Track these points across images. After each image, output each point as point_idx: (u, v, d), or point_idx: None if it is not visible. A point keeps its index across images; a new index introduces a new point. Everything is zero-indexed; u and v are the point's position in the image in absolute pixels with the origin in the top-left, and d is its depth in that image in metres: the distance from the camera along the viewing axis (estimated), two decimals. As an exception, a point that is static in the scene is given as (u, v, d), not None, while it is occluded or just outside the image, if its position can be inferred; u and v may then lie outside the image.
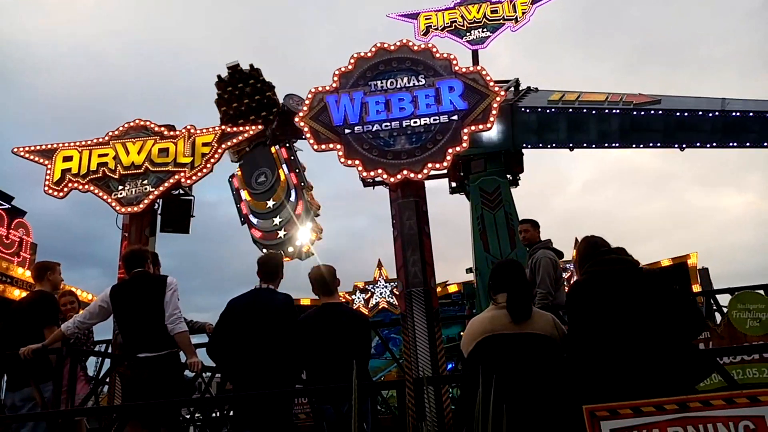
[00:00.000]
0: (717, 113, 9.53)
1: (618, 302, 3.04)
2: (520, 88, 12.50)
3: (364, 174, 5.54)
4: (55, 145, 7.08)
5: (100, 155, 6.96)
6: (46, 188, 6.86)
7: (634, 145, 10.94)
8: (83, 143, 7.07)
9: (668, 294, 3.09)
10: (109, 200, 6.75)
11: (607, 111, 10.52)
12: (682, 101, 10.59)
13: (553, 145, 12.06)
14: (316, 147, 5.66)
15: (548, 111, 11.37)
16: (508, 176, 14.16)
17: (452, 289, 19.21)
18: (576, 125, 11.19)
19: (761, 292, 5.75)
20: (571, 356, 3.15)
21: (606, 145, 11.17)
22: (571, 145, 11.69)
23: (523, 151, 13.69)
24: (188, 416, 6.54)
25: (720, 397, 2.55)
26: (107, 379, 5.90)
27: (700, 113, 9.77)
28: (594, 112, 10.78)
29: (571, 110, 11.06)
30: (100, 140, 7.09)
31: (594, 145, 11.38)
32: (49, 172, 6.91)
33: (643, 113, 10.24)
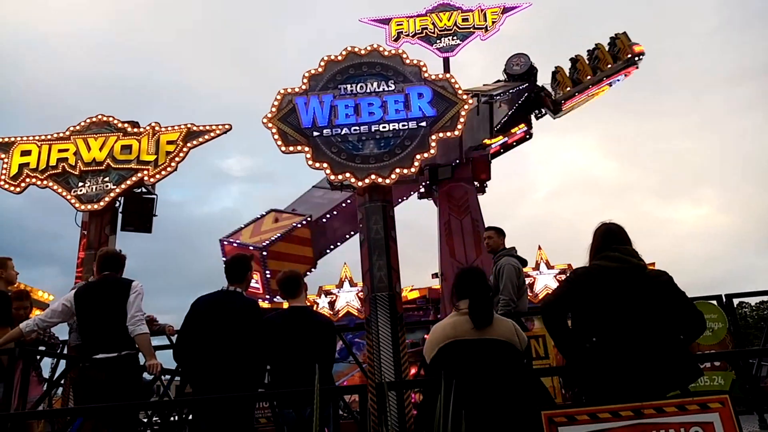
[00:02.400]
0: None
1: (609, 299, 3.10)
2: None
3: (332, 177, 5.53)
4: (12, 139, 6.85)
5: (60, 150, 6.76)
6: (2, 183, 6.62)
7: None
8: (42, 137, 6.86)
9: (671, 296, 3.14)
10: (69, 197, 6.56)
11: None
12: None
13: None
14: (284, 149, 5.61)
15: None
16: (476, 183, 14.36)
17: (417, 293, 19.29)
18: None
19: (713, 302, 5.92)
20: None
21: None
22: None
23: (491, 159, 13.95)
24: (146, 420, 6.40)
25: (672, 404, 2.63)
26: (62, 381, 5.73)
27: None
28: None
29: None
30: (61, 135, 6.89)
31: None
32: (5, 166, 6.68)
33: None
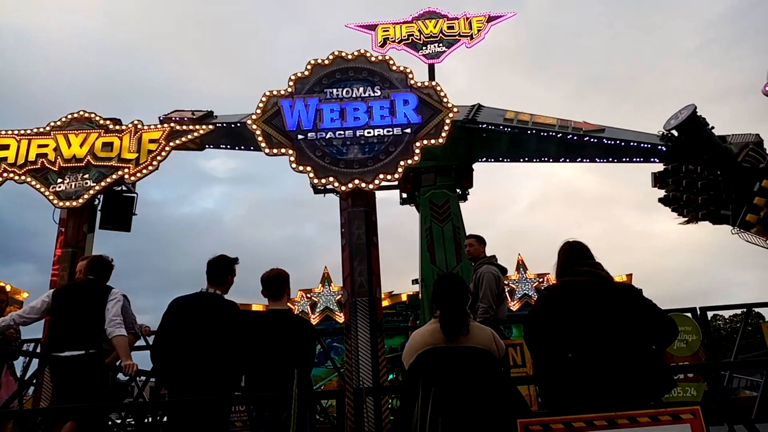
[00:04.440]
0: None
1: (582, 312, 3.13)
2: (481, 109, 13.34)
3: (315, 181, 5.53)
4: (-10, 133, 6.74)
5: (39, 146, 6.66)
6: (-22, 176, 6.51)
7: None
8: (22, 132, 6.76)
9: (640, 306, 3.19)
10: (47, 193, 6.47)
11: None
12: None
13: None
14: (267, 151, 5.60)
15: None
16: (458, 190, 14.42)
17: (397, 299, 19.31)
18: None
19: (689, 315, 6.02)
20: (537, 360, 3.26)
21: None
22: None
23: (474, 166, 14.04)
24: (119, 421, 6.31)
25: (645, 414, 2.67)
26: (33, 381, 5.64)
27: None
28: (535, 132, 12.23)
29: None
30: (41, 130, 6.79)
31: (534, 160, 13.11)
32: (-18, 160, 6.57)
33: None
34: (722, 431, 4.87)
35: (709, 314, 6.25)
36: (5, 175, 6.51)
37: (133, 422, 6.27)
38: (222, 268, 4.46)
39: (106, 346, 4.66)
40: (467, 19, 14.92)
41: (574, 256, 3.40)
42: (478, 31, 14.76)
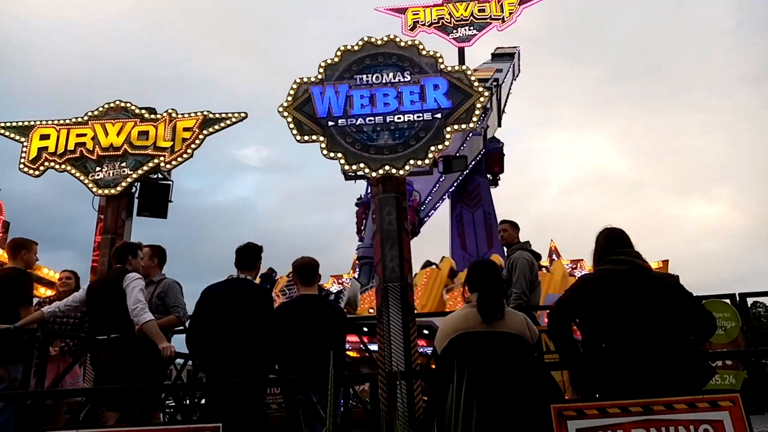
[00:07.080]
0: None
1: (618, 302, 3.10)
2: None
3: (346, 168, 5.54)
4: (32, 123, 6.93)
5: (78, 135, 6.82)
6: (22, 166, 6.71)
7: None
8: (61, 122, 6.94)
9: (678, 298, 3.14)
10: (86, 181, 6.63)
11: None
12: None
13: None
14: (299, 138, 5.63)
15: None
16: (489, 176, 14.32)
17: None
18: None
19: (727, 301, 5.88)
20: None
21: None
22: None
23: (505, 152, 13.91)
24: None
25: (683, 401, 2.64)
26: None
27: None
28: None
29: None
30: (79, 120, 6.95)
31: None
32: (25, 149, 6.76)
33: None
34: (763, 420, 4.77)
35: (749, 301, 6.07)
36: (46, 164, 6.70)
37: (172, 404, 6.46)
38: (251, 254, 4.57)
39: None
40: (499, 1, 14.68)
41: (613, 243, 3.35)
42: (510, 13, 14.52)
